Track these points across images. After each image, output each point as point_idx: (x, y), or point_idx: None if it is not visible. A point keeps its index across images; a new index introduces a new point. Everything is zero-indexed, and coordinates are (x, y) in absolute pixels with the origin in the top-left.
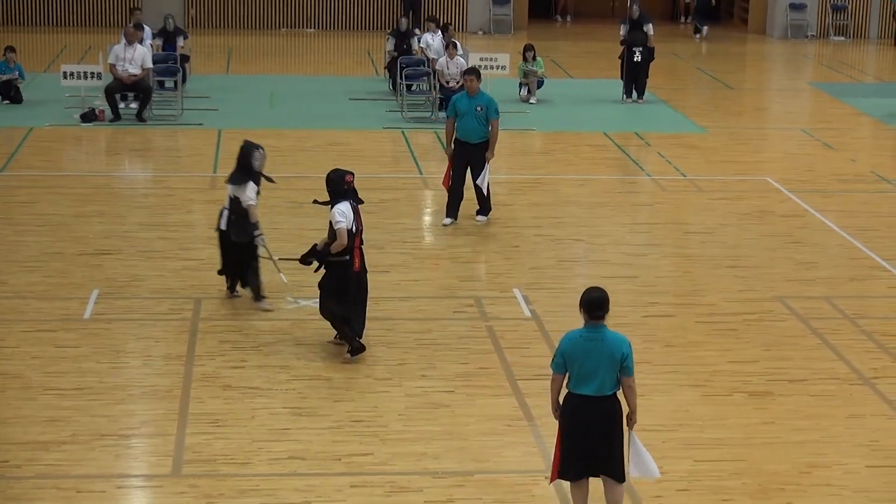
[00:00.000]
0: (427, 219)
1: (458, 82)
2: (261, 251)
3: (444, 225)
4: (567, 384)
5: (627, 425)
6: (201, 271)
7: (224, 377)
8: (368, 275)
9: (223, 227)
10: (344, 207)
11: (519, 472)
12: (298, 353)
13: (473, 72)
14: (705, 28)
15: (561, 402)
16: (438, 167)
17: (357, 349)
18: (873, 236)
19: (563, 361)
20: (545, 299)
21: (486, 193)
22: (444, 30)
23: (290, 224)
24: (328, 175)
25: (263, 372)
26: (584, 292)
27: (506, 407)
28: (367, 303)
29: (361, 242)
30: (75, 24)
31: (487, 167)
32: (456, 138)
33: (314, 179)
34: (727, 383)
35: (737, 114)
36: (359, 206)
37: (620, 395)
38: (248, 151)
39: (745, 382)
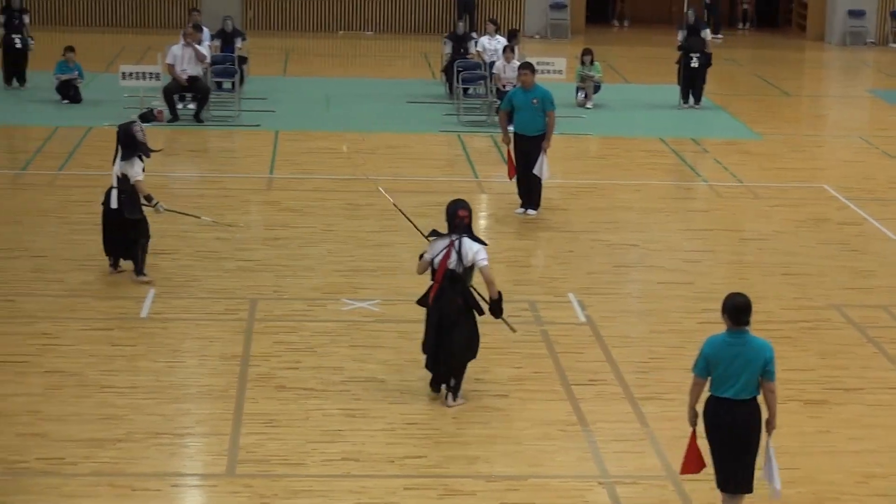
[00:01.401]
0: (482, 222)
1: (514, 86)
2: (161, 212)
3: (516, 213)
4: (709, 388)
5: (767, 430)
6: (257, 272)
7: (279, 378)
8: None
9: (114, 205)
10: (435, 241)
11: (572, 478)
12: (353, 354)
13: (528, 66)
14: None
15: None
16: (494, 170)
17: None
18: None
19: (707, 365)
20: (600, 304)
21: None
22: (512, 36)
23: (345, 226)
24: (447, 205)
25: (318, 373)
26: (727, 298)
27: (559, 412)
28: (451, 349)
29: (445, 280)
30: (134, 24)
31: (544, 157)
32: (514, 132)
33: (369, 182)
34: (782, 391)
35: (794, 121)
36: (462, 241)
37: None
38: (127, 129)
39: (801, 391)
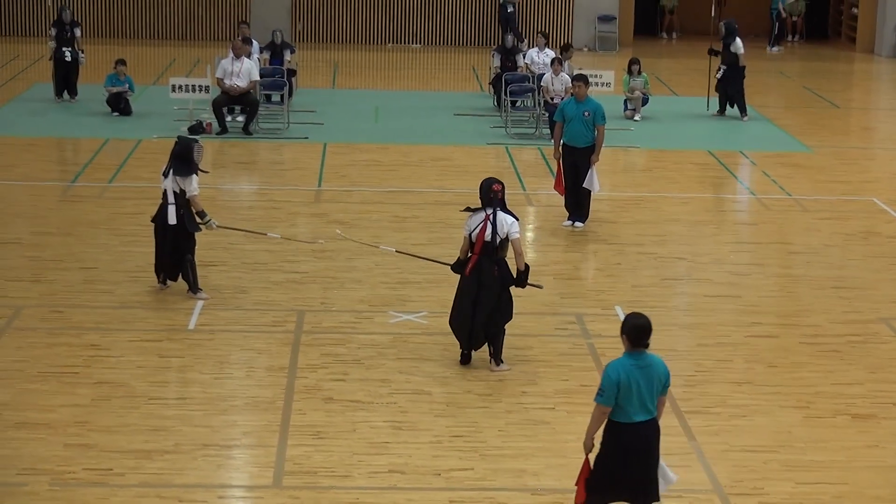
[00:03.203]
0: (529, 234)
1: (562, 98)
2: (214, 229)
3: (564, 226)
4: (613, 414)
5: None
6: (304, 284)
7: (326, 390)
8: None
9: (173, 221)
10: (472, 216)
11: None
12: (400, 367)
13: (582, 78)
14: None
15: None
16: (542, 183)
17: (462, 358)
18: None
19: (618, 392)
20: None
21: (589, 198)
22: (565, 49)
23: (392, 238)
24: (480, 182)
25: (365, 385)
26: (627, 318)
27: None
28: (488, 317)
29: (484, 252)
30: (184, 37)
31: (593, 170)
32: (564, 143)
33: (417, 194)
34: (830, 405)
35: (843, 133)
36: (497, 214)
37: None
38: (188, 146)
39: (849, 405)
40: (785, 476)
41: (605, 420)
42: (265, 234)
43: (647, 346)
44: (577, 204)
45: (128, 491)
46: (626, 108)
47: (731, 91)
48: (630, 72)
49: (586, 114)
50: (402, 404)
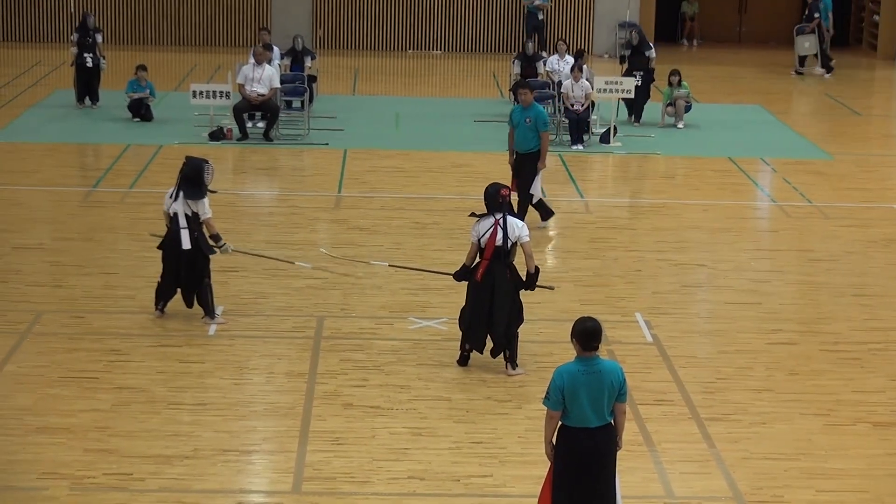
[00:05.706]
0: (548, 241)
1: (583, 105)
2: (230, 253)
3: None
4: (565, 419)
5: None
6: (325, 290)
7: (345, 396)
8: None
9: (187, 245)
10: (479, 222)
11: (637, 498)
12: (419, 373)
13: (526, 85)
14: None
15: (555, 440)
16: (561, 189)
17: (460, 359)
18: None
19: (562, 398)
20: (667, 324)
21: (531, 202)
22: (579, 56)
23: (413, 244)
24: (486, 188)
25: (384, 391)
26: (577, 322)
27: (625, 432)
28: (501, 320)
29: (495, 256)
30: (205, 43)
31: (539, 176)
32: (516, 149)
33: (438, 200)
34: (851, 413)
35: (864, 140)
36: (506, 219)
37: None
38: (198, 167)
39: (870, 412)
40: (805, 484)
41: (558, 424)
42: (292, 263)
43: (596, 349)
44: (518, 204)
45: (148, 496)
46: (665, 115)
47: (640, 96)
48: (670, 83)
49: (528, 120)
50: (422, 410)
